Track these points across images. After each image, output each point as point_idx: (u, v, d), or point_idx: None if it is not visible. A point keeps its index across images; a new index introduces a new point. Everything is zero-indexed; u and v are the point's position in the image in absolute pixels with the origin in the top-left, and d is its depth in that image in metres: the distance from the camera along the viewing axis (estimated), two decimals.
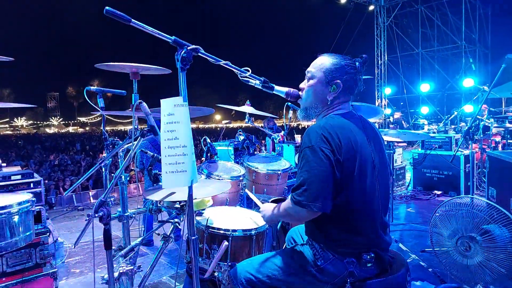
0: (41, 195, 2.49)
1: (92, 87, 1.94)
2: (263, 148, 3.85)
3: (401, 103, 19.81)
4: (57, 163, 13.20)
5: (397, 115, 15.52)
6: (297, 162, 3.63)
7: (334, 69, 1.54)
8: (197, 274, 1.42)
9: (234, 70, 1.58)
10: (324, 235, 1.50)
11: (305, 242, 1.62)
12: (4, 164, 3.49)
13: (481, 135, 5.44)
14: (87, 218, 1.58)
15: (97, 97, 2.03)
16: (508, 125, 5.39)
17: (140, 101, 1.40)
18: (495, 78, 3.33)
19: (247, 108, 3.18)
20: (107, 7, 1.14)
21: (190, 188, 1.37)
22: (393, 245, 3.59)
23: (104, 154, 2.03)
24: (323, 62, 1.58)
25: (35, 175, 2.54)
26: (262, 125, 5.47)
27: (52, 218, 5.72)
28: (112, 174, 2.16)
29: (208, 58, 1.44)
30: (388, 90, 18.14)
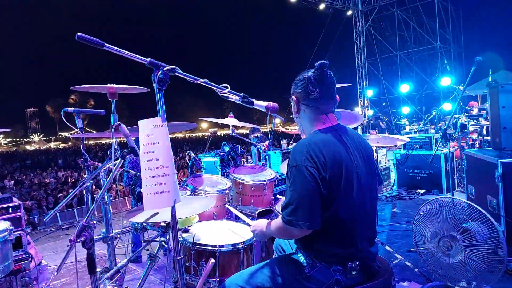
0: (21, 220, 2.42)
1: (69, 108, 1.92)
2: (249, 157, 3.86)
3: (383, 104, 20.27)
4: (37, 181, 12.82)
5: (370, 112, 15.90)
6: (284, 172, 3.65)
7: (292, 89, 1.67)
8: None
9: (212, 87, 1.59)
10: (311, 247, 1.53)
11: (294, 251, 1.64)
12: None
13: (459, 134, 5.63)
14: (69, 244, 1.55)
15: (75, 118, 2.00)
16: (483, 122, 5.59)
17: (118, 123, 1.39)
18: (467, 79, 3.45)
19: (230, 120, 3.19)
20: (78, 33, 1.13)
21: (173, 209, 1.37)
22: (379, 247, 3.66)
23: (86, 175, 2.00)
24: None
25: (14, 199, 2.47)
26: (248, 132, 5.48)
27: (36, 239, 5.54)
28: (94, 196, 2.13)
29: (185, 77, 1.45)
30: (370, 92, 18.54)
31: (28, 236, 3.90)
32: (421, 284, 2.80)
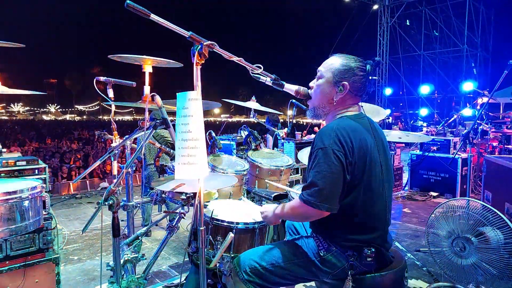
0: (46, 181, 2.52)
1: (101, 78, 1.96)
2: (262, 144, 3.88)
3: (401, 104, 19.91)
4: (55, 150, 13.11)
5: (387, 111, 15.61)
6: (301, 160, 3.67)
7: (343, 70, 1.57)
8: (203, 264, 1.46)
9: (246, 66, 1.61)
10: (328, 232, 1.56)
11: (309, 235, 1.66)
12: (4, 150, 3.50)
13: (479, 139, 5.52)
14: (96, 206, 1.62)
15: (106, 87, 2.04)
16: (505, 130, 5.46)
17: (153, 93, 1.43)
18: (496, 84, 3.36)
19: (252, 104, 3.21)
20: (128, 1, 1.16)
21: (200, 181, 1.41)
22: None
23: (113, 144, 2.06)
24: (333, 62, 1.61)
25: (40, 161, 2.56)
26: (265, 120, 5.50)
27: (51, 204, 5.75)
28: (119, 165, 2.19)
29: (222, 54, 1.46)
30: (388, 91, 18.21)
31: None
32: (428, 283, 2.82)
